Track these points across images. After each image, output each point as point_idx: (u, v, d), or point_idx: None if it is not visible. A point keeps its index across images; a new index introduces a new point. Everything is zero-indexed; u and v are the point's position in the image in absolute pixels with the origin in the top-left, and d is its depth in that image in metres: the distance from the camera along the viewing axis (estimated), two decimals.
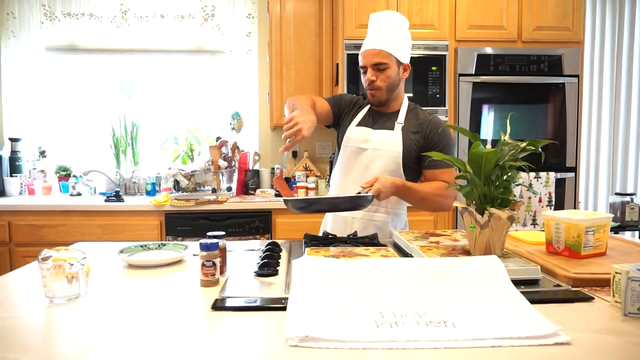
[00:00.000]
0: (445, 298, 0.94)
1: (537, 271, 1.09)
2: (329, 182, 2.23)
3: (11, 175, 3.20)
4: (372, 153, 1.69)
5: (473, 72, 2.90)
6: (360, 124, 1.75)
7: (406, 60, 1.69)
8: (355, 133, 1.73)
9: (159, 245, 1.48)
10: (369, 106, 1.78)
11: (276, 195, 3.07)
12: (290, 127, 1.44)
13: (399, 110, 1.74)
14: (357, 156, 1.71)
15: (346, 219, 1.73)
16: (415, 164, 1.70)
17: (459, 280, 1.01)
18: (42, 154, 3.34)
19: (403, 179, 1.63)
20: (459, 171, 1.23)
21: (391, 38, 1.64)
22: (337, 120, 1.82)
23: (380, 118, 1.74)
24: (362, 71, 1.70)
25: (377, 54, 1.62)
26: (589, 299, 1.00)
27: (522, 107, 2.95)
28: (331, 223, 1.77)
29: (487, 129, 2.94)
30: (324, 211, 1.72)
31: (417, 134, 1.69)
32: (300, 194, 3.03)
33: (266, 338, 0.83)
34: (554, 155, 2.96)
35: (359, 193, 1.48)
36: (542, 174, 2.90)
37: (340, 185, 1.76)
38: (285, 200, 1.46)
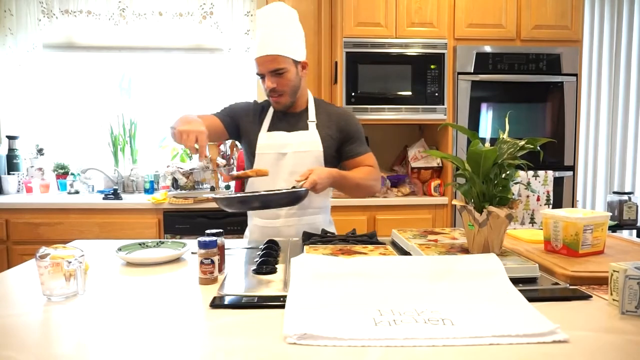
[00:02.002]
0: (444, 296, 0.95)
1: (535, 269, 1.09)
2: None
3: (9, 173, 3.19)
4: (294, 156, 1.63)
5: (472, 71, 2.90)
6: (271, 128, 1.68)
7: (302, 57, 1.63)
8: (270, 139, 1.66)
9: (157, 243, 1.48)
10: (273, 109, 1.71)
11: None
12: (186, 138, 1.35)
13: (307, 108, 1.69)
14: (278, 162, 1.64)
15: (275, 227, 1.65)
16: (334, 157, 1.69)
17: (458, 279, 1.01)
18: (40, 151, 3.33)
19: None
20: (458, 170, 1.23)
21: (283, 39, 1.56)
22: (234, 130, 1.72)
23: (291, 119, 1.68)
24: (259, 77, 1.62)
25: (273, 60, 1.55)
26: (586, 297, 1.00)
27: (521, 106, 2.95)
28: (258, 233, 1.69)
29: (486, 128, 2.94)
30: (258, 208, 1.63)
31: (331, 128, 1.67)
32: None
33: (265, 336, 0.83)
34: (553, 154, 2.96)
35: (294, 187, 1.43)
36: (541, 173, 2.90)
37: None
38: (215, 199, 1.38)
